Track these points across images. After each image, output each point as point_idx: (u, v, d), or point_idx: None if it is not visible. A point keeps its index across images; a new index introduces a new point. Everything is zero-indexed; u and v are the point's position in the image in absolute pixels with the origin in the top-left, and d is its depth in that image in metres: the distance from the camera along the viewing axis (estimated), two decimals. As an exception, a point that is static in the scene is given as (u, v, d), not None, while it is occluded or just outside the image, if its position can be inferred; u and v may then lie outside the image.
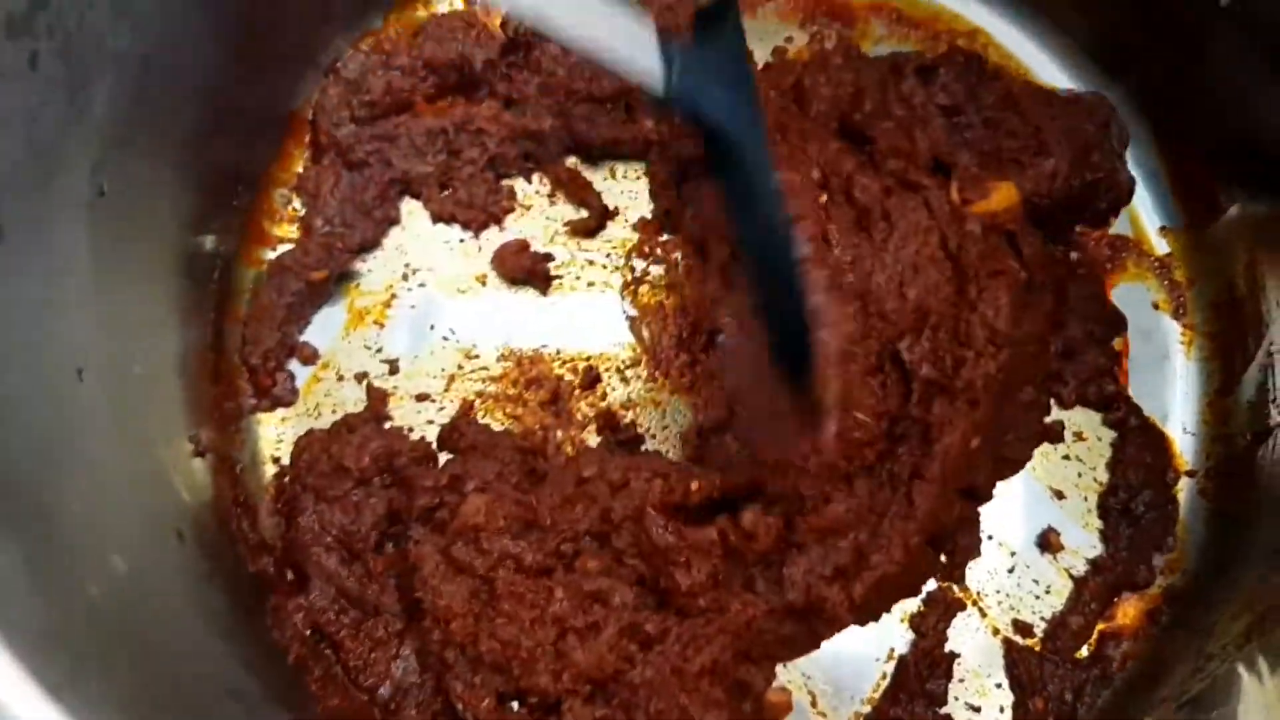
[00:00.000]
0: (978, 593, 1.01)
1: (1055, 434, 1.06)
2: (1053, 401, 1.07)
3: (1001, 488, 1.03)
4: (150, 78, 0.86)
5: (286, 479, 0.99)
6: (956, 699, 0.99)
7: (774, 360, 0.93)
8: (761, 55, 1.15)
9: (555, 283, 1.08)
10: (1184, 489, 1.05)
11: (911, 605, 1.00)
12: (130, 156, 0.86)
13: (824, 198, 1.01)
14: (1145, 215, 1.13)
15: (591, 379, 1.05)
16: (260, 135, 1.07)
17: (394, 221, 1.08)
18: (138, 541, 0.78)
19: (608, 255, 1.09)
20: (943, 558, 1.01)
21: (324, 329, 1.06)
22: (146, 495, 0.84)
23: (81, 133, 0.79)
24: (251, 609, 0.92)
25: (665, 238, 1.09)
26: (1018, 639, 1.00)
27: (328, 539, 0.97)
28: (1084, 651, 1.00)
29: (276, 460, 1.01)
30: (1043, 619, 1.01)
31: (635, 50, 0.79)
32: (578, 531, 0.94)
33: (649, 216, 1.10)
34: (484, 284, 1.07)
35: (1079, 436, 1.06)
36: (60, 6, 0.74)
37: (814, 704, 0.98)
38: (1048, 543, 1.03)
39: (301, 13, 1.04)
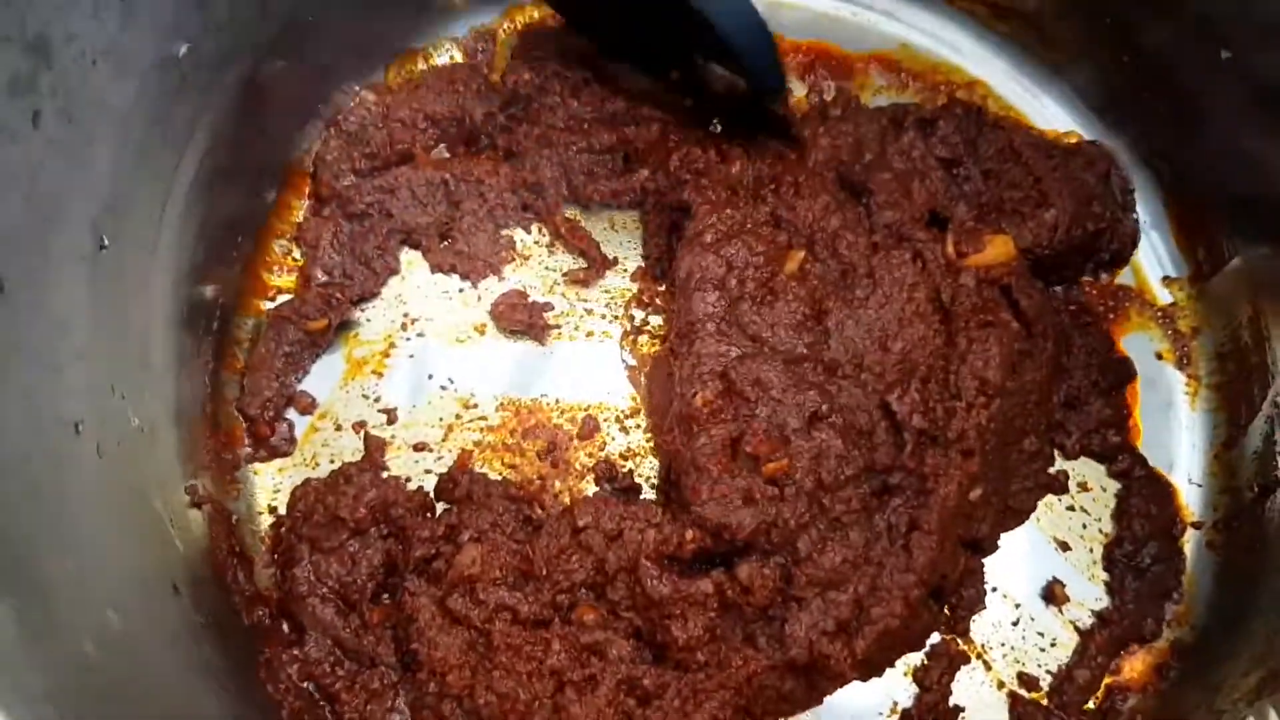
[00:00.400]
0: (982, 645, 1.00)
1: (1060, 485, 1.05)
2: (1056, 452, 1.06)
3: (1005, 539, 1.02)
4: (152, 135, 0.87)
5: (283, 529, 0.99)
6: (961, 754, 0.97)
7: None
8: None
9: (554, 332, 1.08)
10: (1191, 541, 1.04)
11: (915, 659, 0.99)
12: (131, 211, 0.87)
13: (802, 254, 1.02)
14: (1148, 265, 1.13)
15: (590, 429, 1.04)
16: (261, 187, 1.08)
17: (393, 272, 1.09)
18: (133, 596, 0.78)
19: (606, 305, 1.09)
20: (946, 610, 1.00)
21: (322, 378, 1.06)
22: (142, 548, 0.84)
23: (83, 189, 0.80)
24: (246, 662, 0.91)
25: (664, 288, 1.09)
26: (1023, 692, 0.98)
27: (323, 590, 0.96)
28: (1091, 705, 0.99)
29: (273, 510, 1.01)
30: (1048, 672, 0.99)
31: None
32: (574, 582, 0.94)
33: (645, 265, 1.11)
34: (483, 334, 1.08)
35: (1083, 487, 1.05)
36: (64, 66, 0.75)
37: (816, 760, 0.97)
38: (1053, 595, 1.01)
39: (303, 67, 1.05)
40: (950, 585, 0.99)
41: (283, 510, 1.00)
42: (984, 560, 1.01)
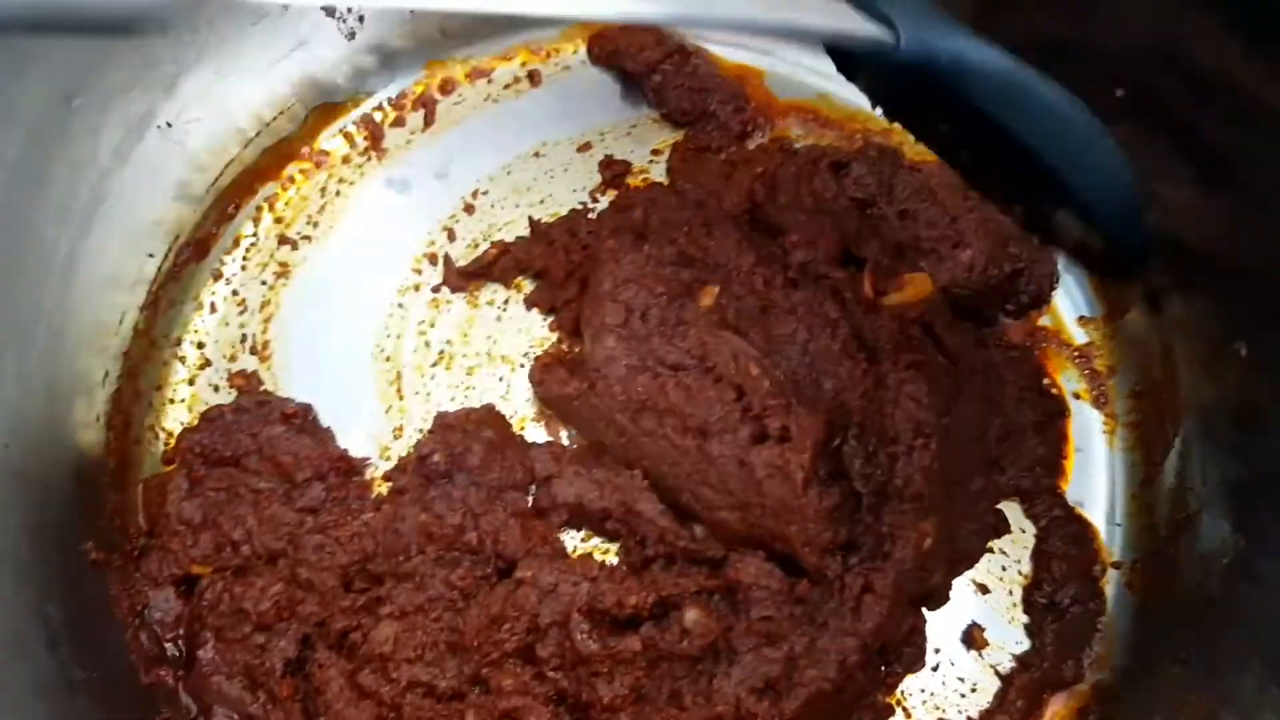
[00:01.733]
0: (901, 693, 0.98)
1: (1005, 525, 1.03)
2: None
3: (928, 584, 1.00)
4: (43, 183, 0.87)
5: (186, 613, 0.96)
6: (880, 806, 0.95)
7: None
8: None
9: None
10: (1111, 582, 1.02)
11: (837, 709, 0.97)
12: (20, 262, 0.86)
13: (716, 289, 1.01)
14: (1063, 306, 1.13)
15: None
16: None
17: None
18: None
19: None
20: (883, 669, 0.98)
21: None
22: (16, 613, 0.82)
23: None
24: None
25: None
26: (944, 741, 0.97)
27: (229, 669, 0.94)
28: (1013, 753, 0.97)
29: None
30: (969, 719, 0.97)
31: (847, 20, 0.70)
32: (504, 652, 0.91)
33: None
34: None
35: (1001, 528, 1.04)
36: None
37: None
38: (972, 639, 1.00)
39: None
40: (894, 645, 0.96)
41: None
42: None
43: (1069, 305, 1.13)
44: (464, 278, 1.12)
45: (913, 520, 0.93)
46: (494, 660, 0.91)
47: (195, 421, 1.03)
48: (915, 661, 0.98)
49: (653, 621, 0.93)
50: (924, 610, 0.99)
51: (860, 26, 0.70)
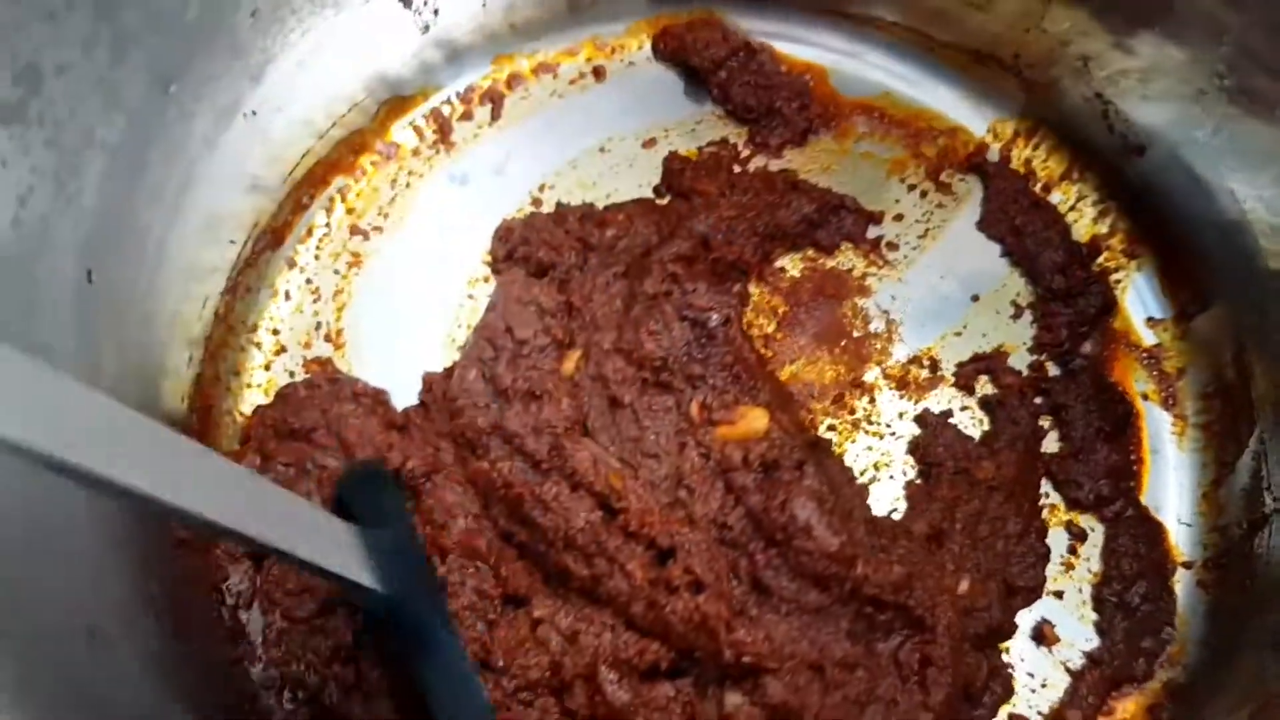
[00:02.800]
0: (972, 688, 0.98)
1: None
2: (1065, 506, 1.05)
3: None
4: (141, 168, 0.88)
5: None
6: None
7: None
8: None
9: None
10: (1182, 581, 1.02)
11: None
12: (119, 247, 0.87)
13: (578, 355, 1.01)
14: (1132, 307, 1.13)
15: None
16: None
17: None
18: (113, 618, 0.78)
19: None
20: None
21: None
22: (122, 581, 0.83)
23: (71, 219, 0.81)
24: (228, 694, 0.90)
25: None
26: (1014, 736, 0.97)
27: (300, 651, 0.95)
28: (1084, 749, 0.97)
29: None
30: (1040, 714, 0.98)
31: (344, 556, 0.77)
32: (529, 680, 0.90)
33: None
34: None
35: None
36: (52, 95, 0.76)
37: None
38: (1042, 635, 1.00)
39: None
40: (978, 690, 0.96)
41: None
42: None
43: (1138, 307, 1.13)
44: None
45: (936, 594, 0.92)
46: (525, 686, 0.90)
47: (270, 399, 1.05)
48: (1007, 695, 0.98)
49: (687, 679, 0.91)
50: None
51: (347, 567, 0.76)
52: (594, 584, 0.92)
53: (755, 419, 0.97)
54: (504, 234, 1.13)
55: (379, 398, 1.04)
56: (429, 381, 1.04)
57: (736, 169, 1.18)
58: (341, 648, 0.94)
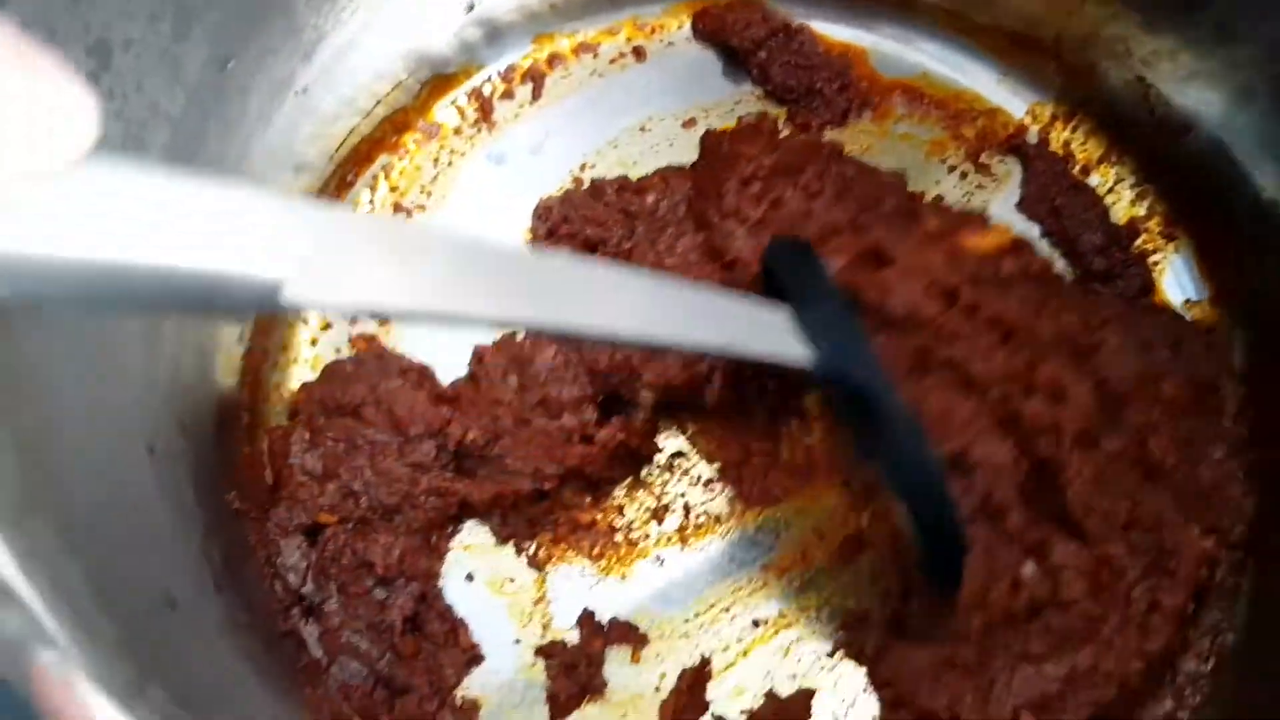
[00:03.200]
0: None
1: None
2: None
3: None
4: (201, 140, 0.89)
5: (309, 563, 0.99)
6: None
7: (924, 571, 0.94)
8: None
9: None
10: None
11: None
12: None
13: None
14: (1170, 289, 1.14)
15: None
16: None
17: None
18: (185, 585, 0.79)
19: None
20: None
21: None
22: (186, 545, 0.85)
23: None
24: (287, 665, 0.92)
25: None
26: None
27: (356, 624, 0.97)
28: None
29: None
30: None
31: (778, 339, 0.79)
32: None
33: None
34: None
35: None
36: (120, 69, 0.77)
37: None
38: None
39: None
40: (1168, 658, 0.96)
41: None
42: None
43: (1176, 289, 1.14)
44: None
45: (1191, 534, 0.94)
46: None
47: (317, 375, 1.06)
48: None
49: None
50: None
51: (783, 349, 0.79)
52: None
53: (1002, 229, 1.03)
54: (543, 212, 1.13)
55: (425, 373, 1.06)
56: (480, 353, 1.06)
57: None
58: (405, 619, 0.96)
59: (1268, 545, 1.01)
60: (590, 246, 1.10)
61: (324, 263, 0.44)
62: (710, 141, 1.17)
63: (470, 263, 0.54)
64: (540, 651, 1.00)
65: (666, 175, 1.13)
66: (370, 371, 1.04)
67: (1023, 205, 1.17)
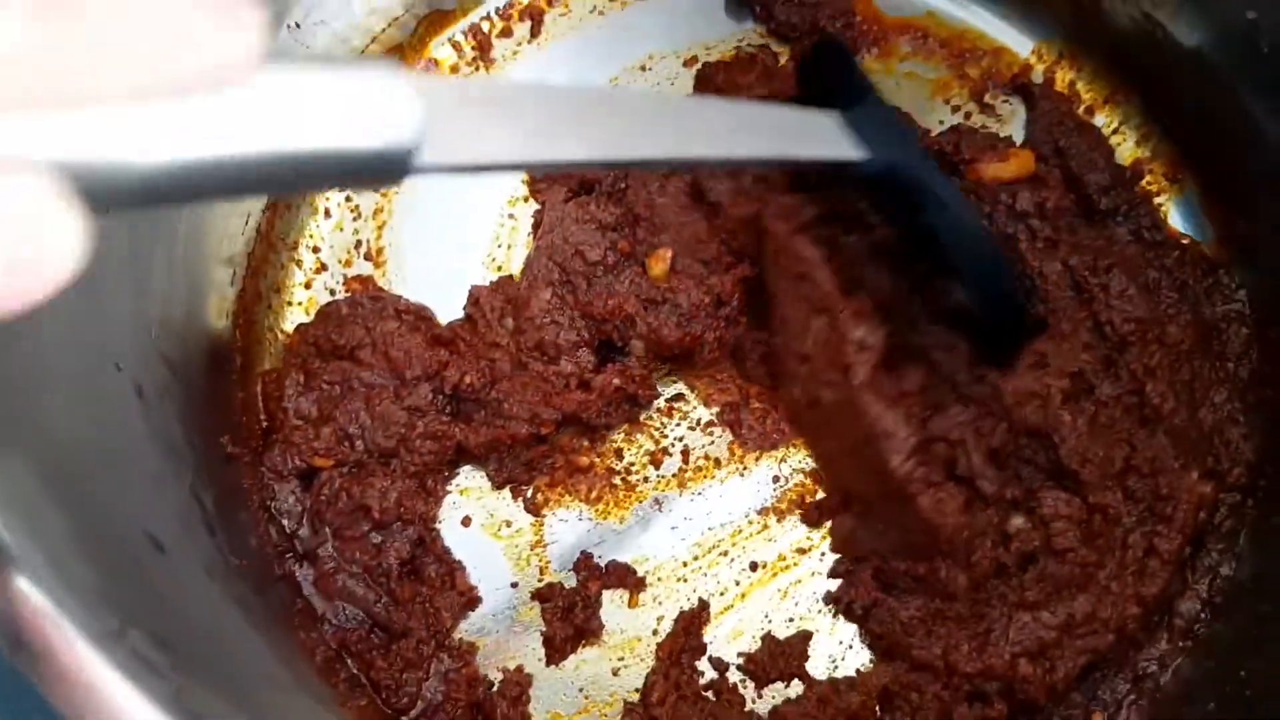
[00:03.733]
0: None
1: None
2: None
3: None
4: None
5: (305, 507, 0.99)
6: None
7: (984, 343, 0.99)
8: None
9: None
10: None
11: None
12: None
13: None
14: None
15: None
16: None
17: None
18: (173, 526, 0.79)
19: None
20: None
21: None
22: (178, 486, 0.84)
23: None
24: (280, 607, 0.92)
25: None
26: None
27: (351, 568, 0.97)
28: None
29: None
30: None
31: (832, 141, 0.81)
32: None
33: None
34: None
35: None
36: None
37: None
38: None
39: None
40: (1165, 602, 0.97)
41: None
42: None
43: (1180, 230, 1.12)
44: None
45: (1189, 479, 0.94)
46: None
47: (312, 317, 1.05)
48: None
49: None
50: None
51: (838, 149, 0.82)
52: None
53: (1026, 156, 1.07)
54: None
55: (422, 313, 1.05)
56: (476, 294, 1.05)
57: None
58: (401, 562, 0.96)
59: (1267, 487, 1.01)
60: (587, 186, 1.08)
61: (444, 127, 0.48)
62: (706, 73, 1.15)
63: (563, 108, 0.58)
64: (537, 595, 1.00)
65: None
66: (366, 313, 1.03)
67: (1027, 145, 1.15)
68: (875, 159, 0.83)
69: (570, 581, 1.01)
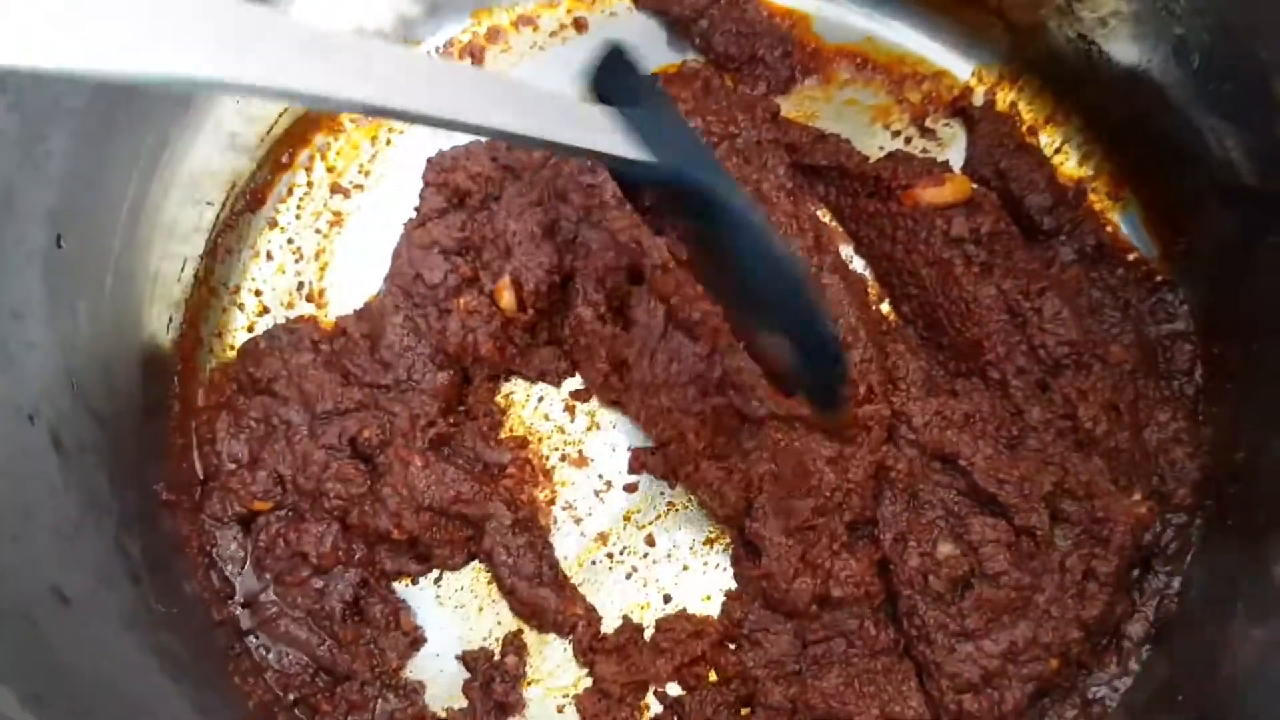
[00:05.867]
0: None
1: None
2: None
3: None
4: (111, 132, 0.88)
5: (245, 557, 0.99)
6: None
7: (800, 388, 0.89)
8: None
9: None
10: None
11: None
12: (91, 210, 0.88)
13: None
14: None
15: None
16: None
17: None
18: (85, 579, 0.79)
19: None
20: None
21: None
22: (98, 538, 0.84)
23: (38, 184, 0.81)
24: (210, 652, 0.92)
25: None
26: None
27: (293, 613, 0.97)
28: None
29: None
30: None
31: (613, 136, 0.78)
32: None
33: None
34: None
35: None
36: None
37: None
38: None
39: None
40: (1114, 622, 0.97)
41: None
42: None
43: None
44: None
45: (1126, 501, 0.94)
46: None
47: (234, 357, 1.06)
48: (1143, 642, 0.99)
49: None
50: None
51: (622, 147, 0.78)
52: None
53: (962, 181, 1.06)
54: (437, 161, 1.10)
55: (334, 345, 1.05)
56: (342, 325, 1.06)
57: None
58: (345, 605, 0.96)
59: (1214, 507, 1.01)
60: (460, 197, 1.09)
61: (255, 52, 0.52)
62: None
63: (326, 50, 0.58)
64: (465, 660, 1.00)
65: None
66: (282, 346, 1.04)
67: (968, 168, 1.15)
68: (661, 164, 0.78)
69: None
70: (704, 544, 1.03)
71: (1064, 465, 0.94)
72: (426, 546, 0.99)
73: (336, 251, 1.13)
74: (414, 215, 1.10)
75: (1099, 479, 0.93)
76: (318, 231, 1.13)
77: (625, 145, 0.78)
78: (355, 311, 1.06)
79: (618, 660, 0.96)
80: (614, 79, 0.88)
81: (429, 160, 1.11)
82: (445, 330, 1.01)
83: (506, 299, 1.02)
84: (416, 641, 1.00)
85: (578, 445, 1.06)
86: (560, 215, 1.04)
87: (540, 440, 1.06)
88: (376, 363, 1.02)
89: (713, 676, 0.97)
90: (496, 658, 0.99)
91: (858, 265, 1.10)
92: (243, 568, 0.99)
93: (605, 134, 0.77)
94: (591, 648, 0.97)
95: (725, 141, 1.05)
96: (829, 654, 0.94)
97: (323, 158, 1.16)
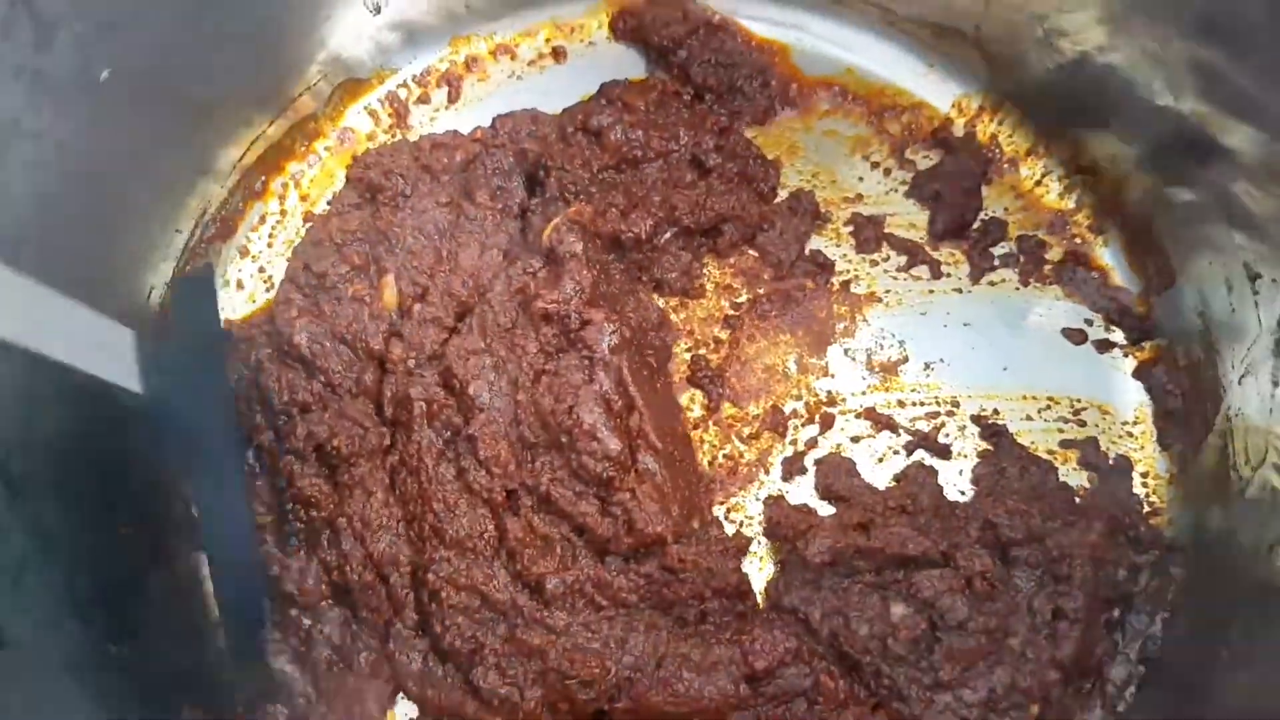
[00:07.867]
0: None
1: None
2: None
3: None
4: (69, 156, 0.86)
5: None
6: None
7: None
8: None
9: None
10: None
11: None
12: (52, 234, 0.86)
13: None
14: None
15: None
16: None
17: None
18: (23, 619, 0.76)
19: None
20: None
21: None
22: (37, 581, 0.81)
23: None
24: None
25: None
26: None
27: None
28: None
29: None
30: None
31: (104, 351, 0.78)
32: None
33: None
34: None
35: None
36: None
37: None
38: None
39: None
40: (1094, 662, 0.95)
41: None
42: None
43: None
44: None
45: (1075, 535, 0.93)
46: None
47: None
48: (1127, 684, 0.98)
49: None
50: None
51: (111, 361, 0.78)
52: None
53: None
54: (361, 157, 1.09)
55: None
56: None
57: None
58: (333, 648, 0.95)
59: (1189, 544, 0.99)
60: (373, 192, 1.07)
61: None
62: (607, 91, 1.14)
63: None
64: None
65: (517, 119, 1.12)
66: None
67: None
68: (153, 397, 0.79)
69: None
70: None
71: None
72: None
73: (308, 280, 1.11)
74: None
75: (1048, 516, 0.94)
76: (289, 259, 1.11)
77: (121, 372, 0.78)
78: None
79: None
80: (188, 304, 0.94)
81: (354, 157, 1.10)
82: (336, 315, 1.00)
83: (388, 295, 1.01)
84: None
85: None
86: (463, 214, 1.05)
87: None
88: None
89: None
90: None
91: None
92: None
93: (104, 356, 0.77)
94: None
95: (659, 159, 1.09)
96: (792, 715, 0.91)
97: (296, 186, 1.14)
